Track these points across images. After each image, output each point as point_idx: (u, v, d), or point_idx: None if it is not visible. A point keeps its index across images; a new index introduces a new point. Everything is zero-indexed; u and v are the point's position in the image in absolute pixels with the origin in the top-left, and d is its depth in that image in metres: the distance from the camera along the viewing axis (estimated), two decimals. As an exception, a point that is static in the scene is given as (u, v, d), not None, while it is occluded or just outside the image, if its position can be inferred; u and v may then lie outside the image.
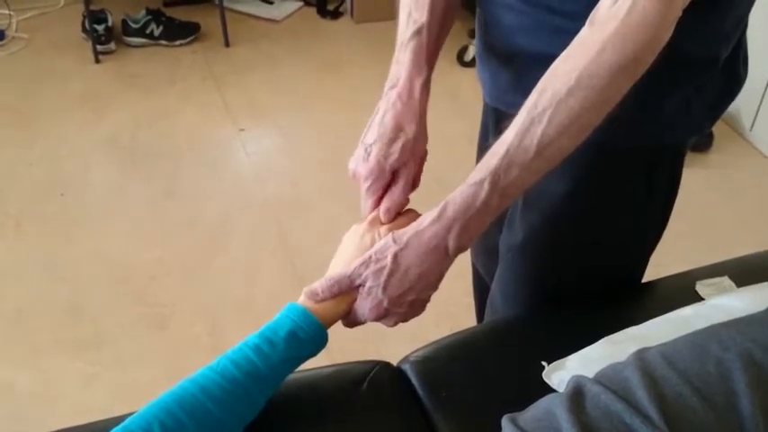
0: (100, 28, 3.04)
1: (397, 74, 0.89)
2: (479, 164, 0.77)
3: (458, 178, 0.78)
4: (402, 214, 0.89)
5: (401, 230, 0.80)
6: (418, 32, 0.89)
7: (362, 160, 0.87)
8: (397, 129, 0.86)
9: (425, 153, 0.91)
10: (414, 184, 0.90)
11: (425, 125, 0.89)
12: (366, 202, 0.89)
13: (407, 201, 0.89)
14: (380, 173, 0.87)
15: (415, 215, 0.88)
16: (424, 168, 0.92)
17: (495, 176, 0.75)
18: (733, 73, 0.92)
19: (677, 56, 0.73)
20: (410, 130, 0.87)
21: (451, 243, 0.79)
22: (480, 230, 0.80)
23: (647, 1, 0.69)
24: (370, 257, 0.80)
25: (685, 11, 0.72)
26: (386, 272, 0.79)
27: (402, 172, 0.88)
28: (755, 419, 0.62)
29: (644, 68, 0.72)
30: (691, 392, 0.64)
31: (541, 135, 0.73)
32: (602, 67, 0.71)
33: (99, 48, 3.04)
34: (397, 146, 0.86)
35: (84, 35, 3.13)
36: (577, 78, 0.71)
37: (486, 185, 0.76)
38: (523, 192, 0.79)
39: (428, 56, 0.90)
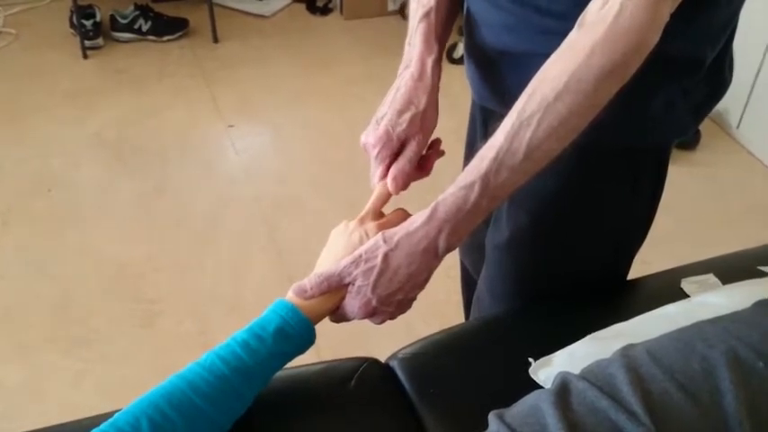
0: (88, 23, 3.03)
1: (409, 55, 0.92)
2: (469, 166, 0.78)
3: (447, 174, 0.79)
4: (392, 213, 0.89)
5: (391, 230, 0.81)
6: (427, 15, 0.93)
7: (372, 130, 0.90)
8: (408, 102, 0.90)
9: (435, 135, 0.93)
10: (425, 165, 0.93)
11: (437, 100, 0.92)
12: (375, 170, 0.91)
13: (414, 173, 0.91)
14: (388, 140, 0.89)
15: (404, 214, 0.88)
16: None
17: (486, 179, 0.76)
18: (718, 76, 0.93)
19: (662, 56, 0.74)
20: (420, 104, 0.89)
21: (441, 244, 0.79)
22: (469, 231, 0.81)
23: (635, 6, 0.70)
24: (361, 256, 0.81)
25: (672, 12, 0.72)
26: (376, 271, 0.80)
27: (410, 143, 0.90)
28: (739, 416, 0.63)
29: (631, 72, 0.73)
30: (676, 389, 0.65)
31: (530, 138, 0.74)
32: (591, 72, 0.71)
33: (87, 43, 3.03)
34: (406, 116, 0.89)
35: (71, 30, 3.11)
36: (566, 83, 0.72)
37: (476, 188, 0.77)
38: (512, 192, 0.80)
39: (437, 36, 0.93)
